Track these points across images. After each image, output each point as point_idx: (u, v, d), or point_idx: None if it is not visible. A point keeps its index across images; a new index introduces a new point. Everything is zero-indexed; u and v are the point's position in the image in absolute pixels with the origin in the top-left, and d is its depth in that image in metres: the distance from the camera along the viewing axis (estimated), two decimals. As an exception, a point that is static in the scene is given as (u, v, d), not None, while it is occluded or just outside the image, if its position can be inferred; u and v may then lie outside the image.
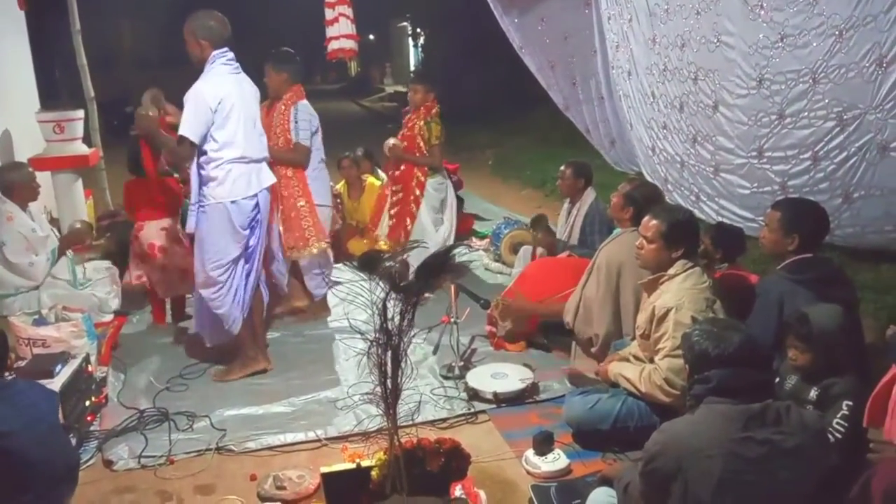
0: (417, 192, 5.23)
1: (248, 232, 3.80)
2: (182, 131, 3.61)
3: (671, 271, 3.05)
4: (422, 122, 5.16)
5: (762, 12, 5.07)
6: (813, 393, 2.65)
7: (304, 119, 4.47)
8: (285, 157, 4.42)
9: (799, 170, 5.04)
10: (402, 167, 5.28)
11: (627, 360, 3.24)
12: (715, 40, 5.62)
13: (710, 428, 2.10)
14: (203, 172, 3.72)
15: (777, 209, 3.25)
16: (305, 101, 4.57)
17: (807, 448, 2.09)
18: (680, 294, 2.96)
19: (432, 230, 5.25)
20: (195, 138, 3.62)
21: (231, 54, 3.79)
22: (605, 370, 3.24)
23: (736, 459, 2.06)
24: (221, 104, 3.64)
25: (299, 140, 4.45)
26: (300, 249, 4.53)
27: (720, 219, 5.61)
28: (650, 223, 3.10)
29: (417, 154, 5.20)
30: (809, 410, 2.54)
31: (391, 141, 5.27)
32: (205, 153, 3.69)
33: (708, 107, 5.80)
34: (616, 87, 7.54)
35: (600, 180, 5.66)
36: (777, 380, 2.79)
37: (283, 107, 4.50)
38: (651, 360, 3.05)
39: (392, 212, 5.34)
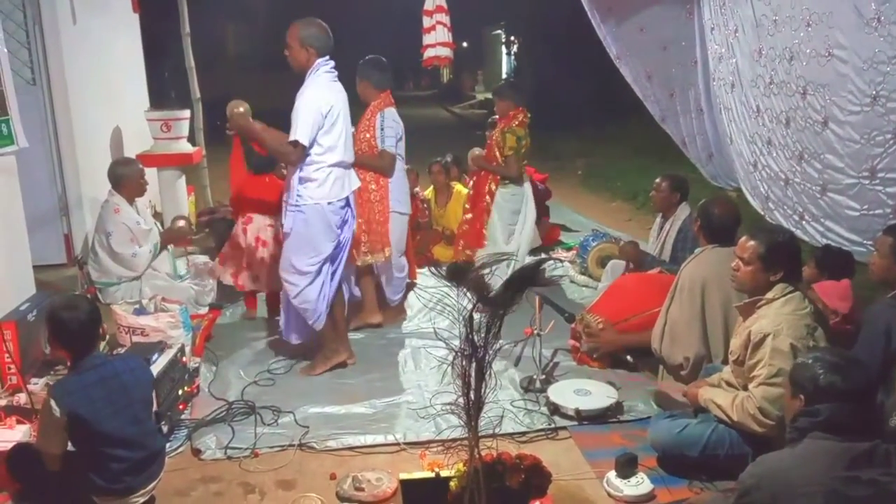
0: (487, 200, 5.25)
1: (339, 231, 3.92)
2: (295, 136, 3.69)
3: (769, 295, 2.90)
4: (498, 133, 5.17)
5: (879, 26, 4.79)
6: (921, 432, 2.47)
7: (389, 126, 4.50)
8: (370, 164, 4.47)
9: (914, 193, 4.73)
10: (479, 175, 5.35)
11: (718, 385, 3.11)
12: (826, 54, 5.34)
13: (813, 464, 1.99)
14: (302, 174, 3.81)
15: (889, 234, 3.10)
16: (392, 109, 4.59)
17: (919, 493, 1.95)
18: (778, 319, 2.80)
19: (502, 242, 5.21)
20: (308, 142, 3.71)
21: (332, 63, 3.88)
22: (695, 394, 3.11)
23: (838, 499, 1.95)
24: (332, 110, 3.77)
25: (384, 147, 4.48)
26: (374, 254, 4.57)
27: (825, 241, 5.33)
28: (748, 244, 2.96)
29: (494, 164, 5.22)
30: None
31: (476, 150, 5.33)
32: (308, 156, 3.78)
33: (817, 123, 5.52)
34: (717, 99, 7.29)
35: (695, 195, 5.47)
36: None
37: (369, 113, 4.55)
38: (744, 387, 2.91)
39: (467, 217, 5.42)
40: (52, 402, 2.59)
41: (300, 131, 3.69)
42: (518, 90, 5.54)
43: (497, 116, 5.42)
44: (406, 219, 4.81)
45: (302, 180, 3.81)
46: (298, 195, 3.82)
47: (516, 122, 5.13)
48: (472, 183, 5.53)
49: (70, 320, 2.68)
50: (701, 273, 3.51)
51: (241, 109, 3.93)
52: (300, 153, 3.74)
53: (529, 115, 5.22)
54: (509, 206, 5.26)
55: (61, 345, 2.76)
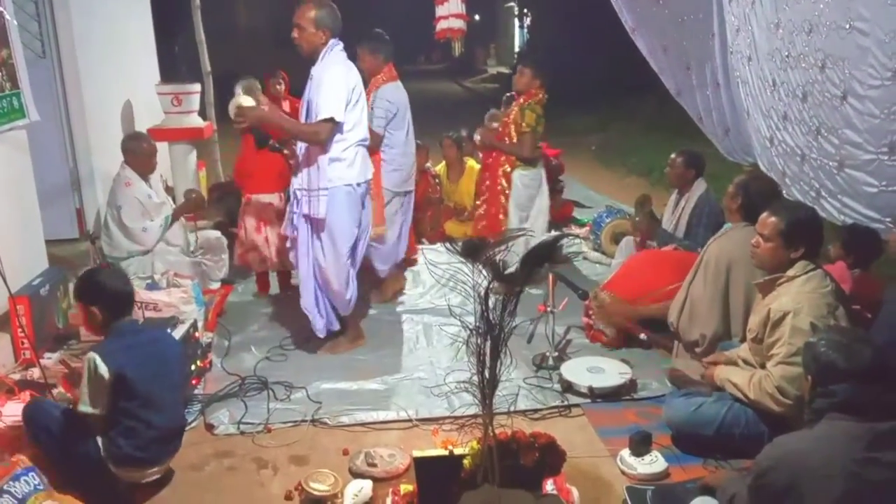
0: (504, 184, 4.94)
1: (362, 212, 3.92)
2: (330, 113, 3.60)
3: (790, 273, 2.86)
4: (517, 109, 4.89)
5: (904, -4, 4.66)
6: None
7: (379, 106, 4.46)
8: None
9: (936, 169, 4.63)
10: (492, 156, 5.04)
11: (735, 363, 3.08)
12: (847, 26, 5.19)
13: (831, 446, 1.95)
14: (331, 154, 3.69)
15: (910, 211, 3.02)
16: (390, 85, 4.54)
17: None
18: (799, 298, 2.77)
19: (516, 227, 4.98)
20: (342, 118, 3.65)
21: (342, 43, 3.83)
22: (711, 373, 3.09)
23: (858, 481, 1.92)
24: (356, 87, 3.76)
25: (371, 126, 4.37)
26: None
27: (843, 217, 5.23)
28: (768, 220, 2.91)
29: (507, 141, 4.93)
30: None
31: (483, 127, 5.17)
32: (336, 133, 3.70)
33: (835, 97, 5.39)
34: (734, 73, 7.16)
35: (711, 171, 5.41)
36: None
37: (368, 90, 4.45)
38: (762, 366, 2.88)
39: (480, 199, 5.14)
40: (99, 361, 2.62)
41: (334, 107, 3.61)
42: (544, 67, 5.10)
43: (515, 91, 5.04)
44: (402, 197, 4.72)
45: (331, 161, 3.70)
46: (329, 178, 3.69)
47: (536, 100, 4.86)
48: (484, 165, 5.18)
49: (112, 280, 2.79)
50: (728, 251, 3.45)
51: (248, 103, 3.84)
52: (331, 131, 3.65)
53: (547, 96, 4.94)
54: (526, 192, 4.96)
55: (101, 306, 2.76)
